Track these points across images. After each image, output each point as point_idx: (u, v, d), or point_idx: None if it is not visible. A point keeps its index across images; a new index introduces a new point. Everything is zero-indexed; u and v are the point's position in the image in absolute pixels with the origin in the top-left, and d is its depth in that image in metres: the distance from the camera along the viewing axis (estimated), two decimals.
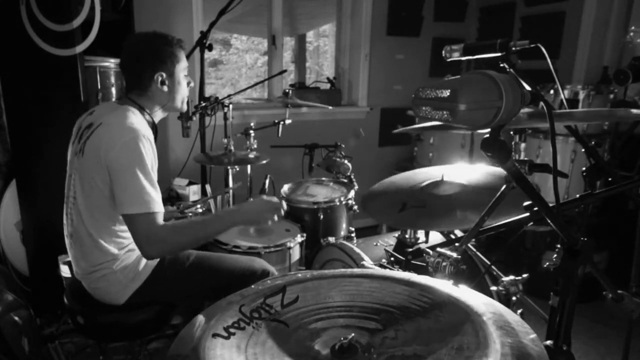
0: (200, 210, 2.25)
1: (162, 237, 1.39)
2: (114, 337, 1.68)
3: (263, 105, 3.52)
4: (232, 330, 0.77)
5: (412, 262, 1.32)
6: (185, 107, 1.70)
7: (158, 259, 1.59)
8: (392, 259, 1.61)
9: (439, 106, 0.68)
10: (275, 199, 1.58)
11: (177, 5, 3.03)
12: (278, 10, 3.53)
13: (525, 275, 1.31)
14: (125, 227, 1.44)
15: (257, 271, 1.66)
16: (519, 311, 1.38)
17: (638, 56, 2.31)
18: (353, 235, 2.36)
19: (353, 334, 0.74)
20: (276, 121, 2.64)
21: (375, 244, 2.01)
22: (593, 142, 1.14)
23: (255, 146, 2.48)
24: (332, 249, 1.98)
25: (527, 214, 1.04)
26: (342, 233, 2.39)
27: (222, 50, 4.78)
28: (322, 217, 2.28)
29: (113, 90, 2.43)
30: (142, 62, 1.55)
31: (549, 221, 0.85)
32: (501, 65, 1.01)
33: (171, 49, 1.56)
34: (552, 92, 2.78)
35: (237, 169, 2.50)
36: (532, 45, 0.98)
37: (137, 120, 1.49)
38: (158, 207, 1.40)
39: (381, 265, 1.65)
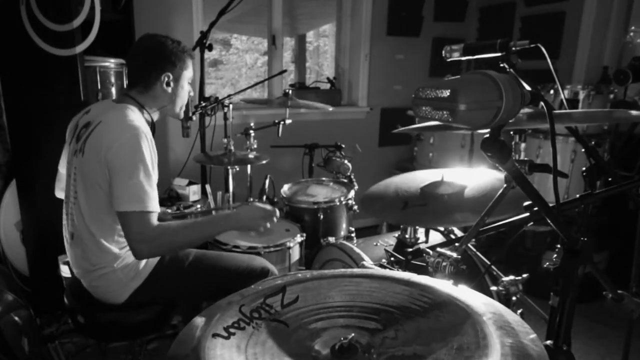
0: (199, 210, 2.25)
1: (155, 236, 1.39)
2: (114, 336, 1.68)
3: (263, 105, 3.51)
4: (232, 330, 0.77)
5: (412, 262, 1.32)
6: (182, 115, 1.72)
7: (158, 258, 1.60)
8: (392, 259, 1.61)
9: (439, 106, 0.68)
10: (269, 207, 1.59)
11: (177, 5, 3.03)
12: (278, 10, 3.54)
13: (525, 275, 1.31)
14: None
15: (257, 269, 1.67)
16: (519, 311, 1.38)
17: (638, 56, 2.31)
18: (353, 235, 2.36)
19: (353, 334, 0.74)
20: (276, 121, 2.64)
21: (375, 244, 2.01)
22: (593, 142, 1.15)
23: (255, 146, 2.48)
24: (332, 249, 1.98)
25: (527, 214, 1.04)
26: (342, 233, 2.39)
27: (222, 50, 4.77)
28: (322, 217, 2.28)
29: (113, 90, 2.43)
30: (153, 59, 1.57)
31: (549, 221, 0.85)
32: (501, 65, 1.01)
33: (182, 54, 1.60)
34: (552, 92, 2.78)
35: (237, 169, 2.50)
36: (532, 45, 0.98)
37: (136, 117, 1.49)
38: (154, 206, 1.40)
39: (381, 265, 1.65)
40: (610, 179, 1.13)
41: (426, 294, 0.83)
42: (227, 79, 4.85)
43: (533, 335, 0.69)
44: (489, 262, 1.59)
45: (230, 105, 2.46)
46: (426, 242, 1.84)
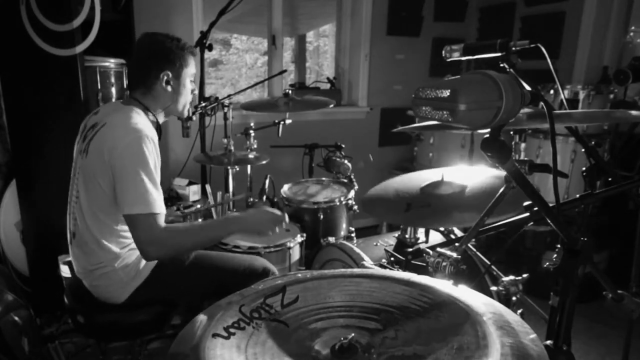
0: (199, 209, 2.25)
1: (163, 238, 1.39)
2: (114, 336, 1.68)
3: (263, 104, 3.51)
4: (232, 330, 0.77)
5: (412, 262, 1.32)
6: (186, 113, 1.70)
7: None
8: (392, 259, 1.61)
9: (439, 106, 0.68)
10: (278, 211, 1.59)
11: (177, 5, 3.03)
12: (278, 10, 3.53)
13: (525, 275, 1.31)
14: (127, 227, 1.44)
15: (258, 269, 1.67)
16: (519, 311, 1.39)
17: (638, 56, 2.31)
18: (353, 235, 2.36)
19: (353, 334, 0.74)
20: (276, 121, 2.64)
21: (375, 244, 2.01)
22: (593, 142, 1.15)
23: (255, 146, 2.48)
24: (332, 249, 1.98)
25: (527, 214, 1.04)
26: (342, 233, 2.39)
27: (222, 50, 4.77)
28: (322, 217, 2.28)
29: (113, 90, 2.43)
30: (151, 59, 1.56)
31: (549, 221, 0.85)
32: (501, 65, 1.01)
33: (182, 52, 1.57)
34: (552, 92, 2.78)
35: (237, 169, 2.50)
36: (532, 45, 0.98)
37: (141, 120, 1.49)
38: (160, 208, 1.40)
39: (381, 265, 1.65)
40: (610, 179, 1.13)
41: (426, 294, 0.83)
42: (227, 79, 4.85)
43: (533, 335, 0.69)
44: (489, 262, 1.59)
45: (230, 105, 2.46)
46: (426, 242, 1.84)
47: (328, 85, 4.00)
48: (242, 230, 1.58)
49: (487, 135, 0.75)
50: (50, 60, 2.14)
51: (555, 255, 0.92)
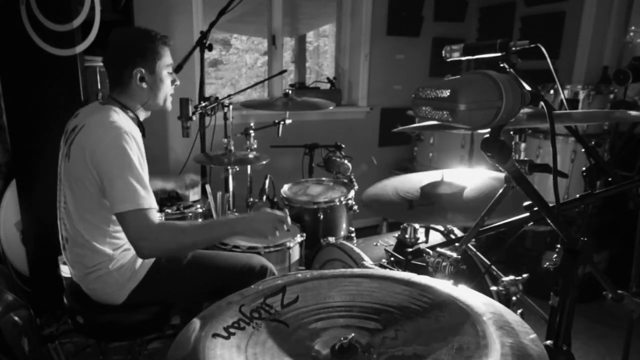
0: (200, 210, 2.25)
1: (156, 234, 1.37)
2: (113, 336, 1.68)
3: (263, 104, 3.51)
4: (232, 330, 0.77)
5: (412, 262, 1.32)
6: (169, 106, 1.66)
7: (154, 259, 1.59)
8: (392, 259, 1.61)
9: (438, 106, 0.68)
10: (280, 212, 1.55)
11: (177, 5, 3.03)
12: (278, 10, 3.53)
13: (525, 275, 1.31)
14: (119, 227, 1.43)
15: (256, 268, 1.66)
16: (519, 311, 1.38)
17: (638, 56, 2.31)
18: (353, 235, 2.36)
19: (353, 334, 0.74)
20: (276, 121, 2.64)
21: (375, 244, 2.01)
22: (593, 142, 1.15)
23: (255, 146, 2.48)
24: (332, 249, 1.98)
25: (527, 214, 1.04)
26: (342, 233, 2.39)
27: (222, 50, 4.78)
28: (322, 217, 2.28)
29: None
30: (121, 57, 1.52)
31: (549, 221, 0.85)
32: (501, 65, 1.01)
33: (152, 45, 1.52)
34: (552, 92, 2.78)
35: (237, 169, 2.50)
36: (532, 45, 0.98)
37: (119, 118, 1.47)
38: (148, 203, 1.37)
39: (381, 265, 1.65)
40: (610, 179, 1.12)
41: (426, 294, 0.83)
42: (227, 79, 4.85)
43: (533, 335, 0.69)
44: (489, 262, 1.59)
45: (230, 105, 2.46)
46: (426, 242, 1.83)
47: (328, 85, 4.00)
48: (243, 232, 1.55)
49: (487, 135, 0.75)
50: (50, 60, 2.14)
51: (555, 255, 0.92)
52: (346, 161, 2.55)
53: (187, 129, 2.20)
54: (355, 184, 2.52)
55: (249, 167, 2.57)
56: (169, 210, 2.18)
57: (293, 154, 2.88)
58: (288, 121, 2.64)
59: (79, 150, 1.42)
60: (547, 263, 0.98)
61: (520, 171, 0.82)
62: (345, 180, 2.57)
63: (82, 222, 1.47)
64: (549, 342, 0.91)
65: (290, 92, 2.52)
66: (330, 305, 0.85)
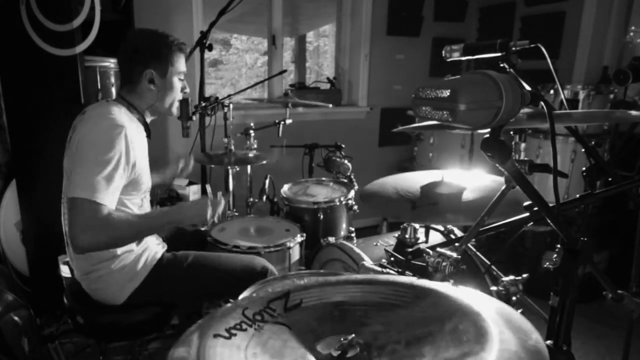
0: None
1: (101, 227, 1.31)
2: (113, 336, 1.68)
3: (263, 105, 3.51)
4: (233, 331, 0.77)
5: (412, 262, 1.32)
6: (174, 112, 1.66)
7: (157, 259, 1.59)
8: (392, 259, 1.61)
9: (438, 106, 0.68)
10: (213, 198, 1.53)
11: (177, 5, 3.03)
12: (278, 10, 3.53)
13: (525, 275, 1.31)
14: None
15: (256, 268, 1.66)
16: (519, 311, 1.38)
17: (638, 56, 2.31)
18: (353, 235, 2.36)
19: (353, 335, 0.74)
20: (277, 121, 2.64)
21: (375, 244, 2.01)
22: (593, 142, 1.15)
23: (255, 146, 2.48)
24: (332, 249, 1.97)
25: (527, 214, 1.04)
26: (342, 233, 2.39)
27: (222, 50, 4.77)
28: (322, 217, 2.27)
29: (113, 90, 2.43)
30: (135, 55, 1.52)
31: (549, 221, 0.85)
32: (501, 65, 1.01)
33: (168, 50, 1.53)
34: (552, 92, 2.78)
35: (237, 169, 2.49)
36: (532, 45, 0.98)
37: (119, 114, 1.47)
38: (105, 200, 1.32)
39: (381, 266, 1.65)
40: (610, 179, 1.12)
41: (429, 300, 0.83)
42: (227, 79, 4.85)
43: (535, 335, 0.69)
44: (489, 262, 1.59)
45: (230, 105, 2.46)
46: (426, 242, 1.83)
47: (328, 85, 4.00)
48: (180, 221, 1.50)
49: (487, 136, 0.75)
50: (50, 60, 2.14)
51: (555, 255, 0.92)
52: (346, 161, 2.55)
53: (187, 129, 2.19)
54: (355, 184, 2.52)
55: (249, 167, 2.57)
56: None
57: (293, 154, 2.88)
58: (288, 121, 2.64)
59: (75, 141, 1.42)
60: (547, 263, 0.98)
61: (520, 171, 0.82)
62: (345, 180, 2.57)
63: None
64: (549, 342, 0.91)
65: (290, 92, 2.52)
66: (333, 306, 0.86)
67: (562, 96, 2.79)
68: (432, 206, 1.44)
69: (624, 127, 2.77)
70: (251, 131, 2.47)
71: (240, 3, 2.49)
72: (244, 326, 0.78)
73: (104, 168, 1.34)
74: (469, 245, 1.60)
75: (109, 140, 1.36)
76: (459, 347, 0.69)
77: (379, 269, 1.46)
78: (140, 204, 1.59)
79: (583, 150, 1.12)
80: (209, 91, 3.93)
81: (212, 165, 2.57)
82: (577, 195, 1.09)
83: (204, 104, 2.38)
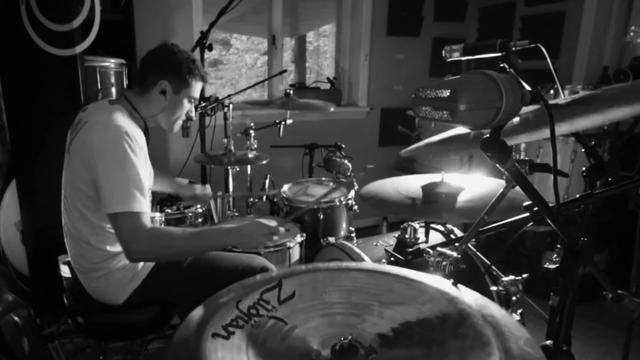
0: (200, 210, 2.25)
1: (147, 238, 1.35)
2: (114, 336, 1.67)
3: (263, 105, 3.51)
4: (230, 329, 0.76)
5: (412, 261, 1.32)
6: (174, 129, 1.66)
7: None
8: (392, 258, 1.61)
9: (438, 106, 0.68)
10: (273, 222, 1.54)
11: (177, 5, 3.03)
12: (278, 10, 3.54)
13: (525, 275, 1.31)
14: None
15: (257, 268, 1.66)
16: (519, 311, 1.38)
17: (638, 56, 2.31)
18: (353, 235, 2.36)
19: (352, 334, 0.74)
20: (277, 121, 2.64)
21: (375, 244, 2.01)
22: (593, 142, 1.14)
23: (255, 146, 2.48)
24: (332, 249, 1.98)
25: (527, 214, 1.04)
26: (342, 233, 2.39)
27: (222, 50, 4.77)
28: (322, 217, 2.28)
29: (113, 90, 2.43)
30: (157, 62, 1.54)
31: (549, 221, 0.85)
32: (501, 65, 1.00)
33: (190, 72, 1.55)
34: (552, 92, 2.78)
35: (237, 169, 2.49)
36: (532, 45, 0.98)
37: (123, 119, 1.47)
38: (141, 207, 1.36)
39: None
40: (610, 179, 1.12)
41: (416, 284, 0.83)
42: (227, 79, 4.84)
43: (527, 337, 0.70)
44: (489, 262, 1.59)
45: (230, 105, 2.46)
46: (426, 242, 1.83)
47: (328, 85, 4.00)
48: (235, 244, 1.55)
49: (487, 136, 0.75)
50: (50, 60, 2.14)
51: (555, 255, 0.92)
52: (346, 161, 2.55)
53: (187, 129, 2.20)
54: (355, 184, 2.52)
55: (249, 167, 2.56)
56: (169, 210, 2.18)
57: (293, 154, 2.88)
58: (289, 121, 2.64)
59: (79, 147, 1.43)
60: (547, 263, 0.98)
61: (520, 171, 0.82)
62: (345, 180, 2.57)
63: (80, 217, 1.47)
64: (549, 342, 0.91)
65: (290, 92, 2.52)
66: (327, 302, 0.86)
67: (562, 96, 2.79)
68: (432, 204, 1.45)
69: (624, 127, 2.77)
70: (251, 131, 2.47)
71: (240, 3, 2.50)
72: (240, 322, 0.78)
73: (128, 176, 1.36)
74: (469, 245, 1.60)
75: (123, 146, 1.37)
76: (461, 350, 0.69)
77: None
78: None
79: (583, 150, 1.12)
80: (209, 91, 3.93)
81: (212, 165, 2.57)
82: (577, 195, 1.08)
83: (204, 104, 2.38)
